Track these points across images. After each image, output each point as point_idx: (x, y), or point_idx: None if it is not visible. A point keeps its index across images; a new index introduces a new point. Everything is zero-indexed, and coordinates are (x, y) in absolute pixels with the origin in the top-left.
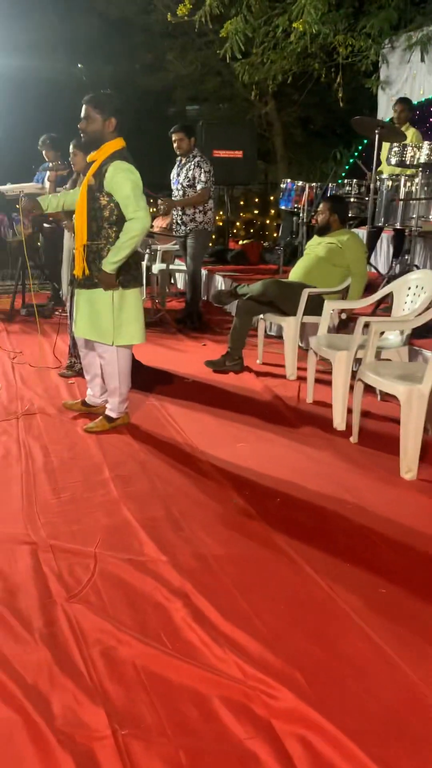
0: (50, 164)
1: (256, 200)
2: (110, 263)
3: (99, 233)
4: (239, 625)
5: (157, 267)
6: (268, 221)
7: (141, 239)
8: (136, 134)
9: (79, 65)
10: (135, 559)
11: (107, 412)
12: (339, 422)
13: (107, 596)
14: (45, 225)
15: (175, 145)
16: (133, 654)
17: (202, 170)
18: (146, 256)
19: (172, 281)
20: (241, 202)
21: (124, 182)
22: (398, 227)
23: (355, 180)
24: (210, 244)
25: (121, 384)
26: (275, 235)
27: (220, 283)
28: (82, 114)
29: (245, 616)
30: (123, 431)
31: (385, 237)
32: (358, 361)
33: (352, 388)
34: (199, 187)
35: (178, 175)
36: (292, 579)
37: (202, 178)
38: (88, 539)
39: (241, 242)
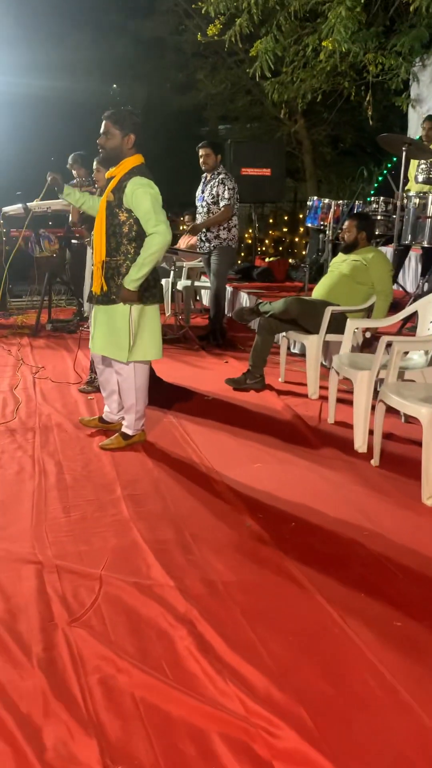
0: (75, 181)
1: (285, 218)
2: (132, 280)
3: (118, 249)
4: (245, 656)
5: (182, 283)
6: (297, 239)
7: (162, 254)
8: (168, 153)
9: (114, 86)
10: (141, 583)
11: (123, 429)
12: (360, 444)
13: (110, 621)
14: (72, 241)
15: (201, 160)
16: (132, 683)
17: (226, 187)
18: (171, 273)
19: (198, 298)
20: (271, 220)
21: (143, 197)
22: (426, 245)
23: (382, 198)
24: (239, 261)
25: (138, 401)
26: (303, 253)
27: (245, 300)
28: (102, 129)
29: (251, 647)
30: (138, 449)
31: (414, 255)
32: (382, 381)
33: (374, 408)
34: (222, 204)
35: (203, 192)
36: (303, 608)
37: (226, 195)
38: (96, 560)
39: (267, 260)
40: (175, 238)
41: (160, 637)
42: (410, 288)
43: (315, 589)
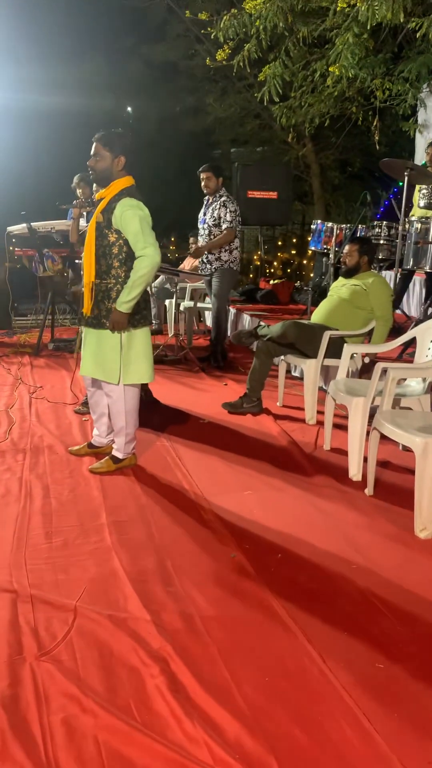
0: (76, 201)
1: (294, 241)
2: (123, 303)
3: (108, 272)
4: (217, 698)
5: (185, 304)
6: (305, 261)
7: (152, 276)
8: (180, 175)
9: (129, 109)
10: (116, 616)
11: (113, 453)
12: (355, 472)
13: (80, 656)
14: (76, 261)
15: (202, 183)
16: (96, 725)
17: (228, 210)
18: (174, 294)
19: (202, 319)
20: (279, 243)
21: (132, 219)
22: (428, 270)
23: (385, 222)
24: (246, 283)
25: (128, 423)
26: (312, 275)
27: (247, 322)
28: (92, 151)
29: (225, 688)
30: (128, 473)
31: (418, 280)
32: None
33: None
34: (224, 226)
35: (205, 214)
36: (283, 648)
37: (228, 217)
38: (72, 590)
39: (272, 282)
40: (181, 260)
41: (131, 674)
42: (415, 312)
43: (296, 627)
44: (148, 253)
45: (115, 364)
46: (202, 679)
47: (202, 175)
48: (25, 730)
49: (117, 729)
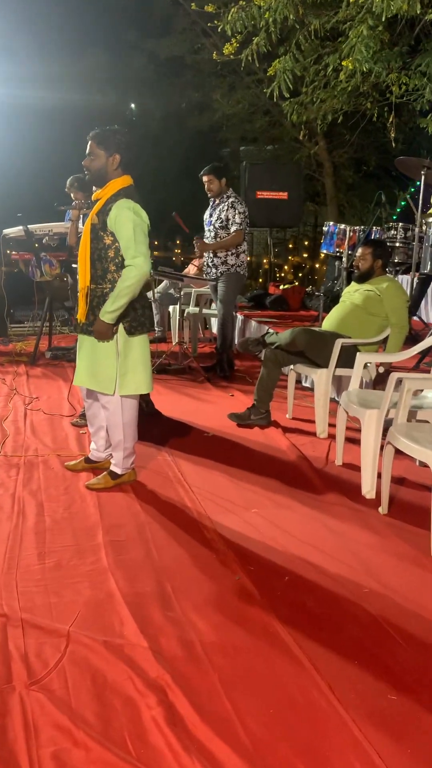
0: (74, 203)
1: (306, 243)
2: (108, 312)
3: (104, 276)
4: (217, 731)
5: (189, 310)
6: (317, 265)
7: (139, 287)
8: (186, 173)
9: (132, 106)
10: (111, 642)
11: (112, 468)
12: (368, 489)
13: (73, 685)
14: (73, 266)
15: (206, 186)
16: (88, 760)
17: (237, 211)
18: (178, 300)
19: (207, 326)
20: (290, 245)
21: (126, 223)
22: None
23: (401, 224)
24: (255, 288)
25: (126, 437)
26: (324, 280)
27: (255, 329)
28: (87, 150)
29: (226, 720)
30: (127, 489)
31: None
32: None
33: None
34: (233, 229)
35: (211, 215)
36: (288, 677)
37: (237, 219)
38: (65, 615)
39: (282, 287)
40: (186, 263)
41: (126, 705)
42: None
43: (303, 655)
44: (137, 264)
45: (111, 374)
46: (201, 710)
47: (204, 178)
48: (13, 764)
49: (110, 764)
